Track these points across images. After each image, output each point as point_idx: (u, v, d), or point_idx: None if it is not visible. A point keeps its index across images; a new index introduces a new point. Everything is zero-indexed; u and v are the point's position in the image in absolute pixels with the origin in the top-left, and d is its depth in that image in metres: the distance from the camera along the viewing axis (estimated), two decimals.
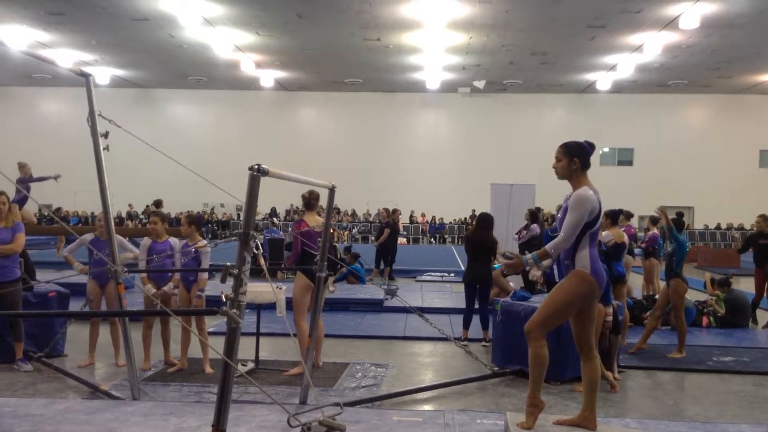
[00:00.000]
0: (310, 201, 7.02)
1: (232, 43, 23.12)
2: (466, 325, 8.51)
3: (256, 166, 3.19)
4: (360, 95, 31.52)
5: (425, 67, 26.06)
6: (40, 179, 10.98)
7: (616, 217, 8.88)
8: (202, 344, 6.76)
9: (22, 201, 10.02)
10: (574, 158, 4.20)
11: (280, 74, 28.48)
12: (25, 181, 10.45)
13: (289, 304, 6.85)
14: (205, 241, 6.86)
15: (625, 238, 8.76)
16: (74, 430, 4.58)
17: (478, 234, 8.67)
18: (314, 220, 6.99)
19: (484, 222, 8.78)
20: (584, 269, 4.08)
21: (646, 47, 22.06)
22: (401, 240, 28.41)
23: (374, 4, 18.64)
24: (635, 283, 11.92)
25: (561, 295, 4.17)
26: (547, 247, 4.09)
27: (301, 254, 6.81)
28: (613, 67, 25.80)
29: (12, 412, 4.93)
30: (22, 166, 10.50)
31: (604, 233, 8.34)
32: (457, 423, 4.94)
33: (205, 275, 6.84)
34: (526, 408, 4.31)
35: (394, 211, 16.88)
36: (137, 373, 5.75)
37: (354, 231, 29.61)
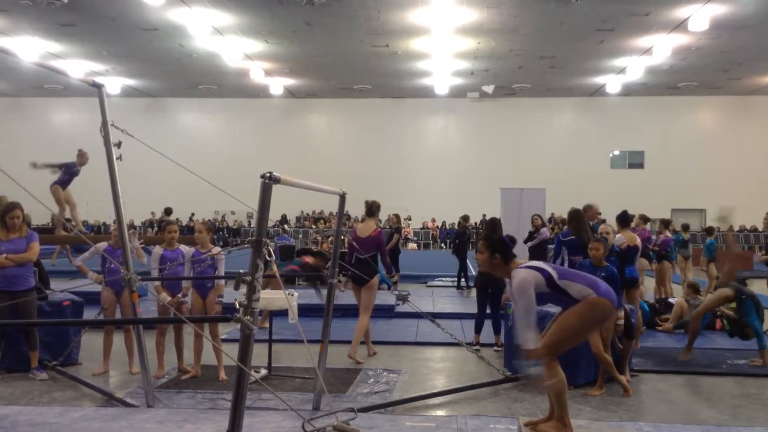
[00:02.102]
0: (372, 208, 7.76)
1: (241, 52, 23.25)
2: (478, 330, 8.51)
3: (268, 174, 3.22)
4: (369, 101, 31.59)
5: (434, 72, 26.09)
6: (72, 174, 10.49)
7: (627, 220, 8.86)
8: (217, 351, 6.79)
9: (64, 182, 10.16)
10: (495, 253, 4.34)
11: (290, 82, 28.60)
12: (73, 167, 10.30)
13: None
14: (219, 248, 6.92)
15: (638, 241, 8.74)
16: None
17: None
18: (366, 228, 7.70)
19: (494, 226, 8.79)
20: (589, 295, 4.13)
21: (656, 50, 22.00)
22: (411, 245, 28.44)
23: (382, 10, 18.70)
24: (650, 287, 11.87)
25: (573, 320, 4.18)
26: (529, 348, 4.11)
27: (349, 258, 7.61)
28: (622, 70, 25.74)
29: (28, 420, 4.98)
30: (81, 155, 10.28)
31: (617, 236, 8.33)
32: (470, 428, 4.94)
33: (222, 281, 6.89)
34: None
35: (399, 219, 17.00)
36: (151, 380, 5.79)
37: None
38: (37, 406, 5.66)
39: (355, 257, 7.70)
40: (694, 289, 10.13)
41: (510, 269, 4.29)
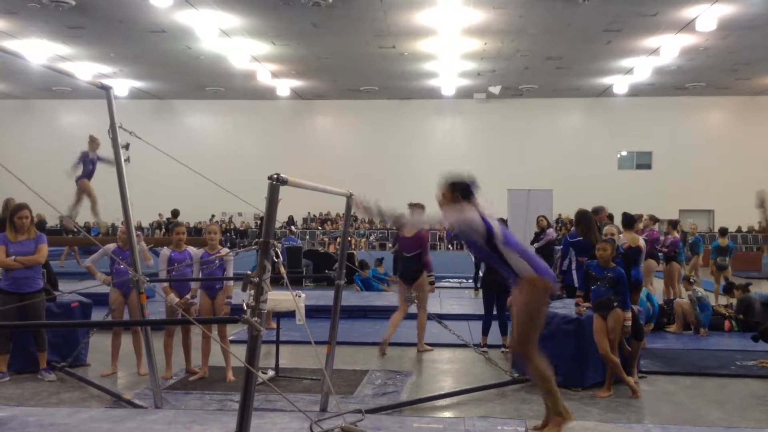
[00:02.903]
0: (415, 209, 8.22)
1: (248, 54, 23.29)
2: (485, 331, 8.49)
3: (276, 176, 3.22)
4: (375, 102, 31.60)
5: (440, 73, 26.08)
6: (103, 160, 10.36)
7: (630, 221, 8.84)
8: (225, 352, 6.81)
9: (90, 174, 10.30)
10: (457, 193, 4.42)
11: (296, 83, 28.64)
12: (88, 154, 10.42)
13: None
14: (228, 250, 6.95)
15: (641, 242, 8.73)
16: None
17: None
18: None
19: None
20: (528, 272, 4.15)
21: (663, 50, 21.92)
22: None
23: (389, 12, 18.71)
24: (659, 288, 11.83)
25: (523, 309, 4.27)
26: (408, 220, 4.27)
27: (395, 257, 8.21)
28: (629, 71, 25.66)
29: (37, 422, 5.00)
30: (92, 141, 10.38)
31: (620, 236, 8.31)
32: (478, 430, 4.94)
33: (231, 282, 6.92)
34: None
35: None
36: (159, 381, 5.81)
37: (371, 238, 29.65)
38: (46, 407, 5.69)
39: (403, 256, 8.32)
40: (687, 281, 10.18)
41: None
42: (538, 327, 4.34)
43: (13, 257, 6.64)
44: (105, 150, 7.20)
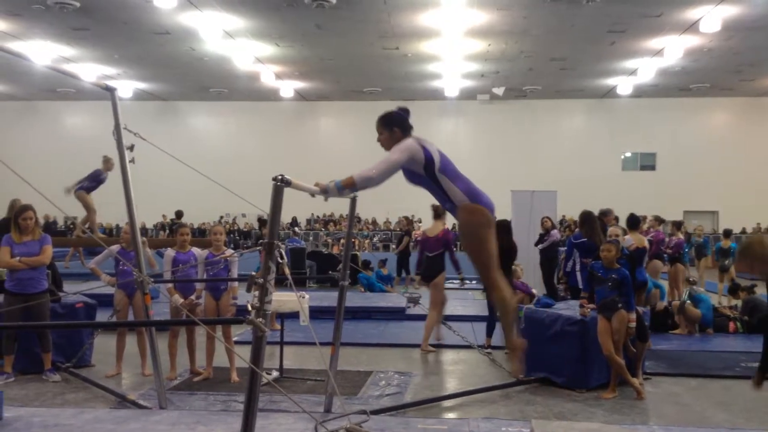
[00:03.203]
0: (438, 211, 8.54)
1: (252, 55, 23.31)
2: (489, 332, 8.49)
3: (280, 177, 3.22)
4: (379, 104, 31.44)
5: (444, 74, 26.07)
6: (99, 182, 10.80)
7: (635, 222, 8.83)
8: (229, 353, 6.81)
9: (90, 188, 10.49)
10: (394, 128, 4.13)
11: (300, 84, 28.66)
12: (100, 174, 10.61)
13: None
14: (232, 251, 6.96)
15: (645, 243, 8.72)
16: None
17: (498, 240, 8.62)
18: (434, 228, 8.56)
19: (504, 228, 8.77)
20: (463, 201, 3.91)
21: (667, 51, 21.88)
22: None
23: (393, 13, 18.71)
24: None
25: (466, 238, 4.07)
26: (355, 175, 3.88)
27: (420, 257, 8.60)
28: (633, 72, 25.63)
29: (41, 422, 5.01)
30: (107, 161, 10.56)
31: (626, 237, 8.30)
32: (482, 431, 4.93)
33: (236, 283, 6.92)
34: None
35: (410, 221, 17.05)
36: (164, 382, 5.81)
37: (375, 239, 29.64)
38: (51, 408, 5.70)
39: (425, 255, 8.58)
40: (687, 281, 10.19)
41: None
42: (490, 253, 4.06)
43: (18, 258, 6.65)
44: (110, 151, 7.20)
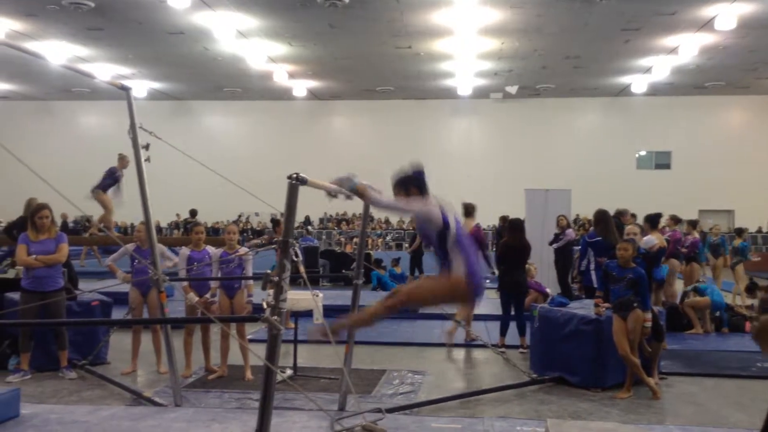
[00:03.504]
0: (468, 209, 8.79)
1: (265, 55, 23.35)
2: (503, 331, 8.47)
3: (295, 175, 3.22)
4: (392, 103, 31.57)
5: (457, 73, 26.00)
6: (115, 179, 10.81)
7: (655, 220, 8.78)
8: (244, 350, 6.83)
9: (106, 186, 10.56)
10: (411, 188, 4.12)
11: (313, 84, 28.69)
12: (115, 172, 10.70)
13: None
14: (246, 249, 6.99)
15: (664, 242, 8.67)
16: None
17: (512, 239, 8.61)
18: (465, 226, 7.93)
19: (518, 227, 8.75)
20: (460, 274, 3.85)
21: (682, 49, 21.71)
22: None
23: (405, 12, 18.69)
24: (679, 289, 11.72)
25: (437, 295, 4.01)
26: (369, 193, 3.89)
27: (413, 256, 8.41)
28: (648, 70, 25.45)
29: (58, 419, 5.05)
30: (122, 159, 10.62)
31: (645, 238, 8.25)
32: (497, 430, 4.92)
33: (251, 281, 6.95)
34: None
35: None
36: (179, 380, 5.84)
37: (388, 238, 29.64)
38: (67, 405, 5.74)
39: None
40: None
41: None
42: (426, 304, 4.18)
43: (34, 256, 6.71)
44: (125, 149, 7.26)
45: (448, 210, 4.05)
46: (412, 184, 4.16)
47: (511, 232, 8.68)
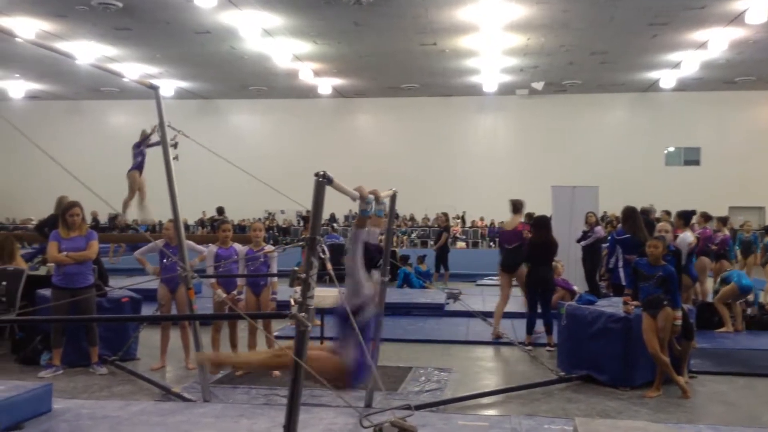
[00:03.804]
0: (516, 206, 9.07)
1: (290, 53, 23.46)
2: (530, 329, 8.42)
3: (322, 173, 3.23)
4: (417, 100, 31.53)
5: (482, 70, 25.88)
6: (153, 144, 10.22)
7: (689, 217, 8.67)
8: (271, 346, 6.86)
9: (140, 165, 10.27)
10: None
11: (338, 81, 28.75)
12: (139, 145, 10.31)
13: None
14: (272, 247, 7.03)
15: (695, 240, 8.57)
16: None
17: (537, 236, 8.56)
18: (512, 223, 9.01)
19: (544, 224, 8.69)
20: (347, 362, 3.59)
21: (711, 43, 21.38)
22: (461, 244, 28.31)
23: (430, 8, 18.64)
24: (710, 287, 11.56)
25: (321, 365, 3.48)
26: (363, 233, 3.78)
27: (500, 249, 9.11)
28: (677, 65, 25.11)
29: (90, 414, 5.13)
30: (142, 133, 10.34)
31: (682, 234, 8.15)
32: (525, 428, 4.90)
33: (276, 279, 6.99)
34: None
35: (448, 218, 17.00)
36: (207, 376, 5.89)
37: (413, 236, 29.61)
38: (98, 400, 5.83)
39: (504, 248, 9.01)
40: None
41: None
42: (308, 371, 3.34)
43: (65, 253, 6.81)
44: (151, 149, 7.37)
45: (371, 298, 3.88)
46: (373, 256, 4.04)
47: (536, 229, 8.61)
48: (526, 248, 8.71)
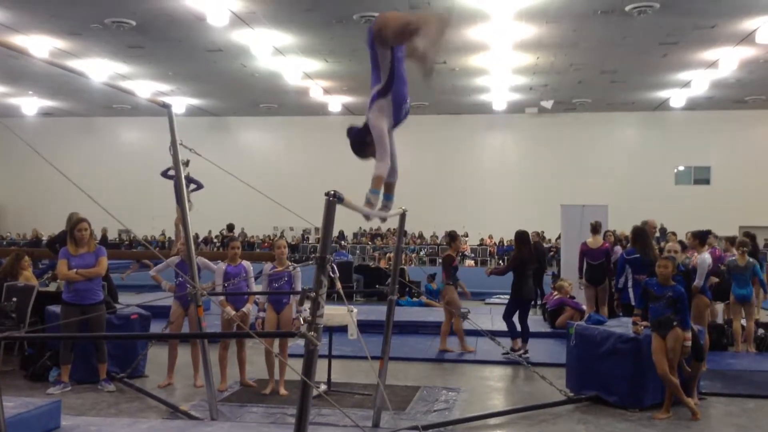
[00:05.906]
0: (596, 227, 10.08)
1: (301, 71, 23.63)
2: (516, 334, 8.86)
3: (332, 192, 3.24)
4: (426, 118, 31.58)
5: (492, 88, 25.96)
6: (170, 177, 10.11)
7: (704, 238, 8.64)
8: (282, 366, 6.84)
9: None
10: (365, 142, 4.27)
11: (348, 99, 28.90)
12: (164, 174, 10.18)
13: None
14: (296, 266, 6.95)
15: None
16: None
17: (521, 252, 9.25)
18: (595, 242, 9.99)
19: (526, 239, 9.39)
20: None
21: (722, 63, 21.39)
22: (469, 262, 28.24)
23: None
24: (719, 308, 11.47)
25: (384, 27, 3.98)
26: (375, 172, 4.08)
27: (583, 266, 9.98)
28: (687, 84, 25.10)
29: (97, 431, 5.13)
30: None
31: (701, 256, 8.12)
32: None
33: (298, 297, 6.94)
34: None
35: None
36: (215, 394, 5.89)
37: (421, 253, 29.57)
38: (106, 417, 5.83)
39: (588, 263, 9.98)
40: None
41: None
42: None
43: (75, 270, 6.84)
44: (166, 164, 7.40)
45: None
46: (360, 140, 4.35)
47: (521, 244, 9.12)
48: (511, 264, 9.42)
